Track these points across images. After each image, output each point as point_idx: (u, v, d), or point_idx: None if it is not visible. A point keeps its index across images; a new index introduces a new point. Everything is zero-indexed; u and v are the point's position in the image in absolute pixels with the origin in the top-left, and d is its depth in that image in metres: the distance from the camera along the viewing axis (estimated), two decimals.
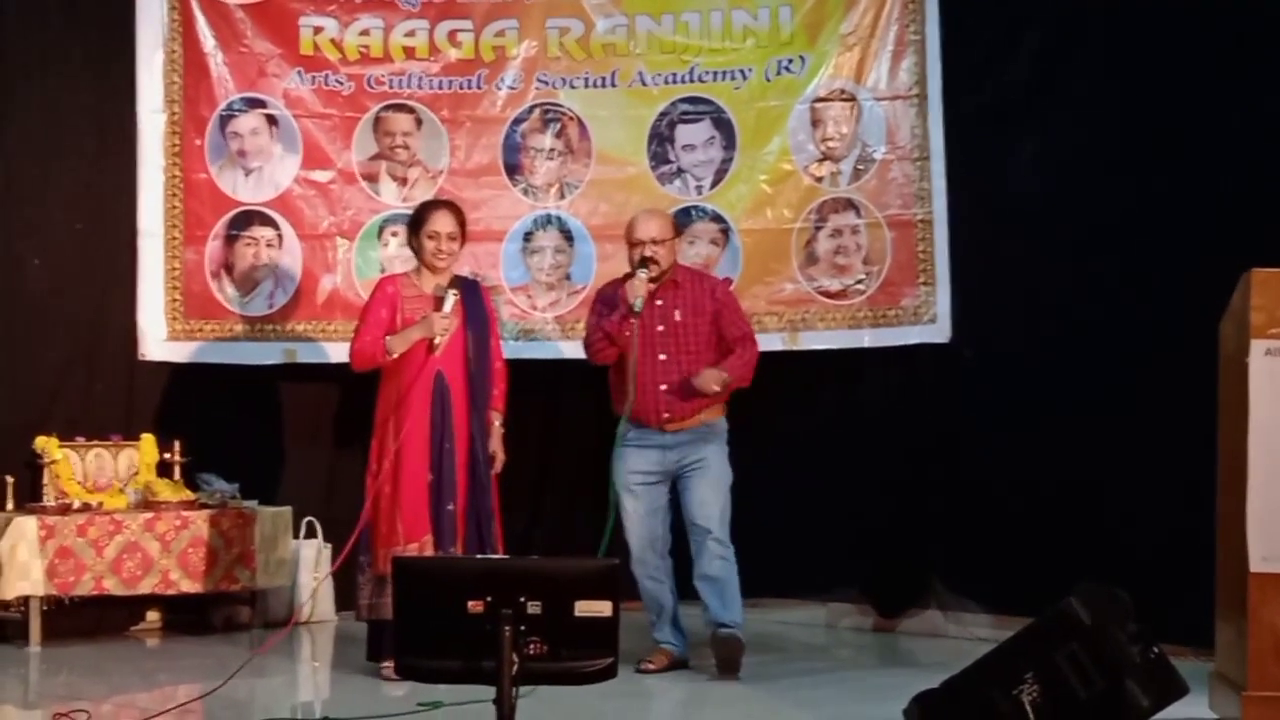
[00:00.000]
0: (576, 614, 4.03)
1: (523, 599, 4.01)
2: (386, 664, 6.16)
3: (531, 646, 4.04)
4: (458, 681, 4.18)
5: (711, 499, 6.50)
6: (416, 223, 6.53)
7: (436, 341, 6.34)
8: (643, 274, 6.44)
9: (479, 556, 6.08)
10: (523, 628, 4.01)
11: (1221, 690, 4.92)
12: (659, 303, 6.53)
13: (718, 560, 6.47)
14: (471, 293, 6.56)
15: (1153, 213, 6.87)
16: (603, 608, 4.04)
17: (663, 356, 6.51)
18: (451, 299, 6.37)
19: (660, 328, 6.53)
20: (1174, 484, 6.33)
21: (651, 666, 6.48)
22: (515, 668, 4.01)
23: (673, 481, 6.58)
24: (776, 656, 7.13)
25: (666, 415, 6.50)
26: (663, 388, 6.49)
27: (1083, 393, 7.00)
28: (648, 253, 6.49)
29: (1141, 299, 6.86)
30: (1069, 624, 4.41)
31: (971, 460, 7.45)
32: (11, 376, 7.76)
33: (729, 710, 6.11)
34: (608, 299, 6.65)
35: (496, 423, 6.57)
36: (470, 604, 4.04)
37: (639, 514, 6.53)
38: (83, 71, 8.01)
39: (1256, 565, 4.54)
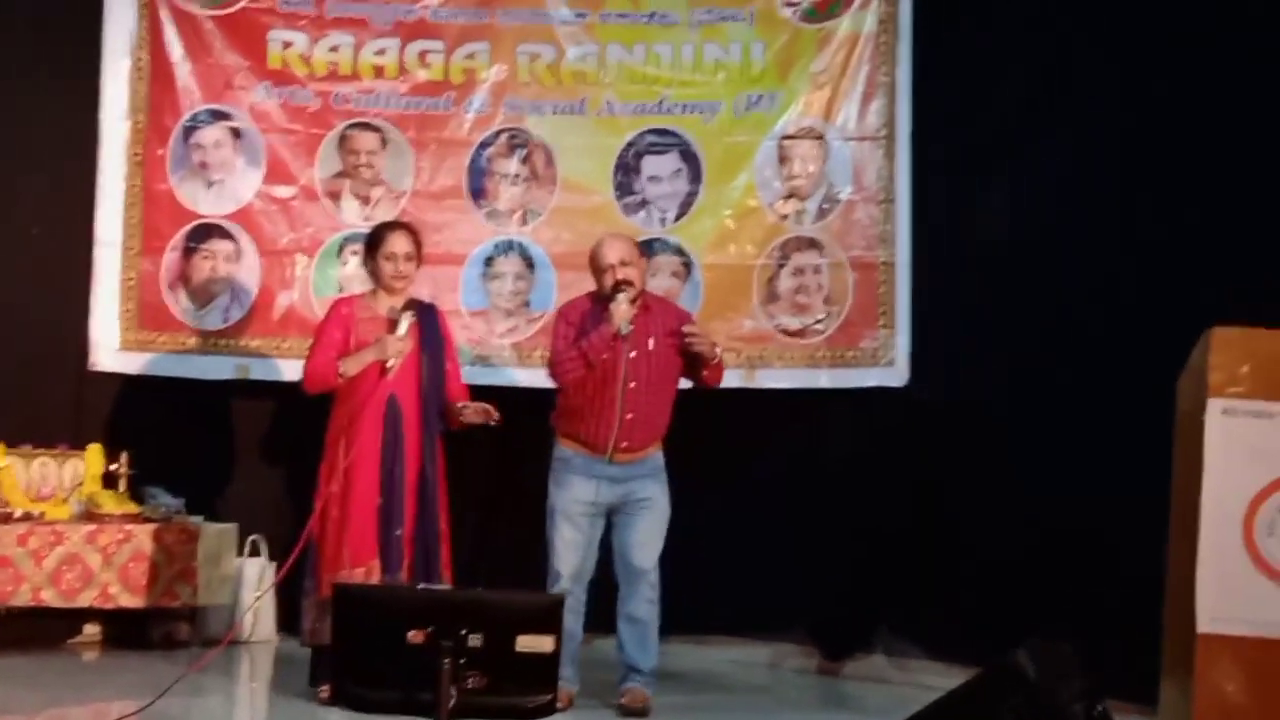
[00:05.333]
0: (518, 648, 3.99)
1: (464, 631, 3.96)
2: (324, 687, 6.06)
3: (471, 680, 3.99)
4: (395, 713, 4.13)
5: (653, 540, 6.40)
6: (373, 244, 6.48)
7: (390, 364, 6.29)
8: (623, 297, 6.27)
9: (421, 586, 6.01)
10: (462, 660, 3.96)
11: None
12: (631, 328, 6.32)
13: (646, 604, 6.39)
14: (427, 316, 6.50)
15: (1116, 263, 6.87)
16: (544, 643, 4.01)
17: (633, 384, 6.34)
18: (406, 322, 6.32)
19: (633, 354, 6.35)
20: (1127, 537, 6.31)
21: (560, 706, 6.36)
22: (453, 701, 3.96)
23: (607, 514, 6.45)
24: (719, 696, 7.10)
25: (626, 445, 6.37)
26: (629, 416, 6.34)
27: (1038, 442, 6.98)
28: (620, 275, 6.34)
29: (1101, 350, 6.84)
30: (1014, 678, 4.36)
31: (924, 506, 7.43)
32: None
33: None
34: (574, 321, 6.46)
35: (463, 404, 6.44)
36: (410, 634, 3.99)
37: (575, 544, 6.36)
38: (47, 77, 7.99)
39: (1204, 626, 4.50)
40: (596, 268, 6.47)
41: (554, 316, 6.72)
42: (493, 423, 6.42)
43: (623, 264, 6.38)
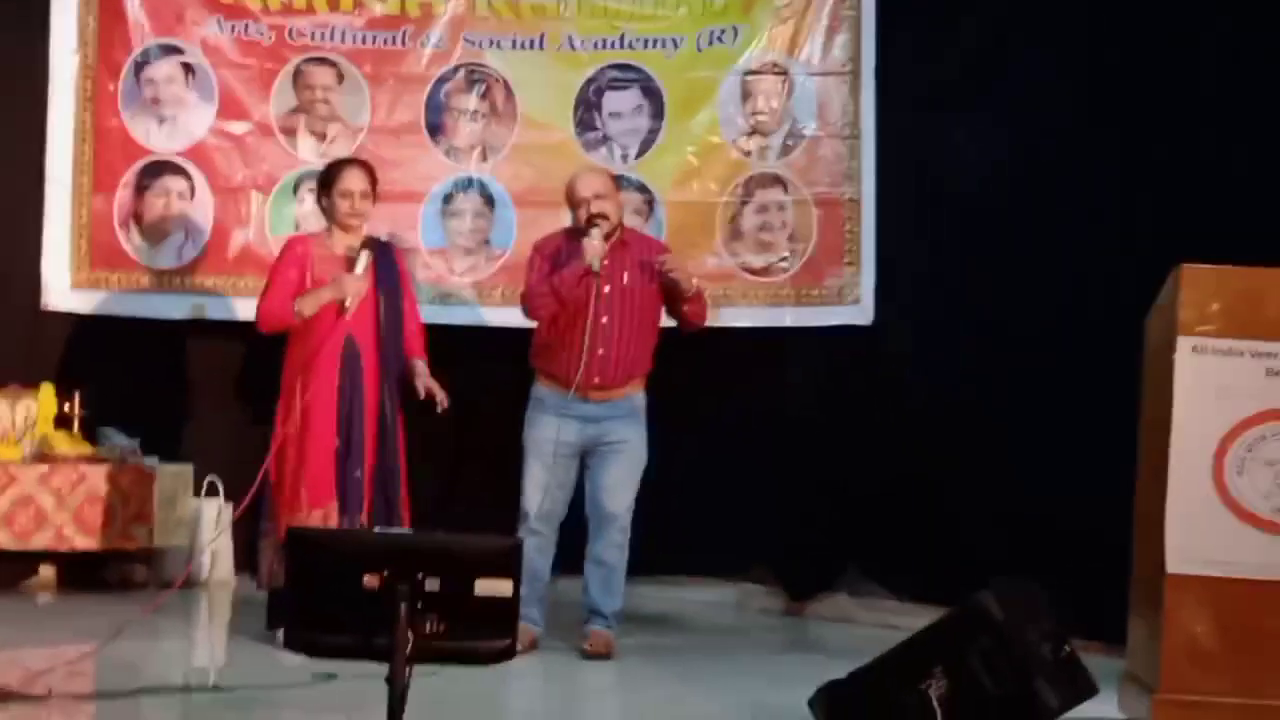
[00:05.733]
0: (476, 593, 3.91)
1: (421, 575, 3.88)
2: (282, 630, 5.99)
3: (428, 624, 3.91)
4: (351, 658, 4.04)
5: (625, 484, 6.33)
6: (327, 181, 6.36)
7: (347, 304, 6.19)
8: (596, 232, 6.17)
9: (377, 530, 5.92)
10: (419, 605, 3.88)
11: (1132, 691, 4.86)
12: (605, 263, 6.20)
13: (614, 548, 6.34)
14: (385, 254, 6.40)
15: (1084, 200, 6.83)
16: (503, 587, 3.91)
17: (605, 319, 6.24)
18: (364, 260, 6.21)
19: (606, 289, 6.24)
20: (1095, 477, 6.27)
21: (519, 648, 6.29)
22: (410, 645, 3.88)
23: (582, 455, 6.38)
24: (686, 637, 7.08)
25: (598, 381, 6.27)
26: (600, 352, 6.24)
27: (1006, 381, 6.95)
28: (594, 209, 6.23)
29: (1069, 287, 6.82)
30: (981, 619, 4.33)
31: (890, 445, 7.38)
32: None
33: (635, 695, 5.99)
34: (548, 255, 6.36)
35: (422, 366, 6.39)
36: (366, 578, 3.90)
37: (547, 485, 6.28)
38: None
39: (1174, 566, 4.48)
40: (571, 202, 6.37)
41: (529, 252, 6.58)
42: (438, 407, 6.33)
43: (597, 198, 6.27)
